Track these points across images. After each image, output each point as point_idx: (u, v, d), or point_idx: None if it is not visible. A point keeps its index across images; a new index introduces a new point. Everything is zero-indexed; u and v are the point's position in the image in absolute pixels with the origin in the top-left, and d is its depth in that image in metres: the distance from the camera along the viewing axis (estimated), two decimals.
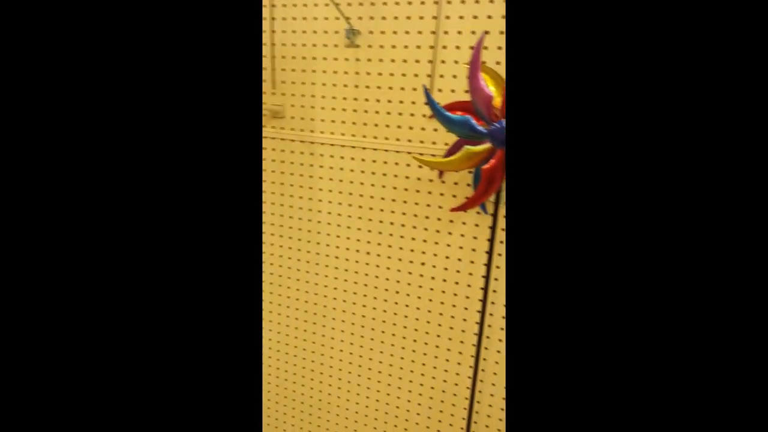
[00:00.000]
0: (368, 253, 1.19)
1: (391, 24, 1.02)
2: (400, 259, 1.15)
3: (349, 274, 1.22)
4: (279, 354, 1.38)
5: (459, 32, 0.97)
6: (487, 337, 1.10)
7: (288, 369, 1.39)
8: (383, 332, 1.23)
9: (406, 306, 1.18)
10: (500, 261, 1.05)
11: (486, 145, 0.85)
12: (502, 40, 0.94)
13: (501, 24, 0.93)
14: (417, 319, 1.18)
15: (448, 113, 0.86)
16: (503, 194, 0.97)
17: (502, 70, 0.93)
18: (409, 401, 1.24)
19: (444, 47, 0.99)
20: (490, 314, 1.09)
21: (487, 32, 0.94)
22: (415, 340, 1.19)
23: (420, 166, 1.07)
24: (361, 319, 1.24)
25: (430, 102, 0.86)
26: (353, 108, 1.11)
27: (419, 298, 1.16)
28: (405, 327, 1.20)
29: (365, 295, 1.22)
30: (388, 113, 1.08)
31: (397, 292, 1.18)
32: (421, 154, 1.05)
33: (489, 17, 0.94)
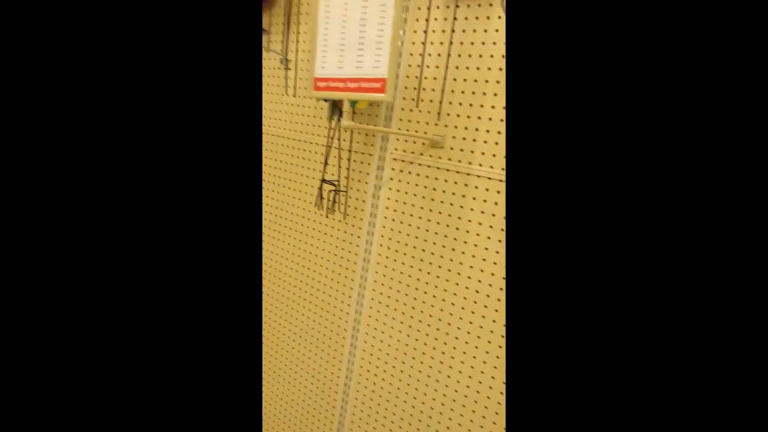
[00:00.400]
0: None
1: None
2: None
3: (488, 311, 1.19)
4: (387, 369, 1.39)
5: None
6: None
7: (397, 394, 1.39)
8: None
9: None
10: None
11: None
12: None
13: None
14: None
15: None
16: None
17: None
18: None
19: None
20: None
21: None
22: None
23: None
24: (485, 356, 1.20)
25: None
26: None
27: None
28: None
29: (501, 336, 1.18)
30: None
31: None
32: None
33: None
